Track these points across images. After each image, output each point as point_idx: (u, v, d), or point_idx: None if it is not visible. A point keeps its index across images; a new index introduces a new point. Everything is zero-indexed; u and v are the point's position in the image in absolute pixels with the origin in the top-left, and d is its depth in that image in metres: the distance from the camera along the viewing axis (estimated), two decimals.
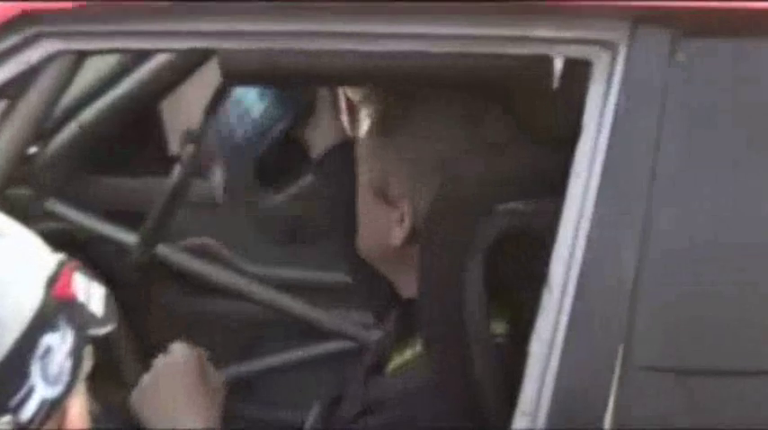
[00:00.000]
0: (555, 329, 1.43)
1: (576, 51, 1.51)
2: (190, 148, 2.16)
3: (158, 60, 2.59)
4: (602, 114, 1.47)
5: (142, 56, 2.59)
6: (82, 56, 1.63)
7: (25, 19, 1.56)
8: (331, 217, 2.05)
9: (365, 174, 1.76)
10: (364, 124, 1.81)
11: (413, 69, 1.56)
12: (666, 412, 1.43)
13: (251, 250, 2.69)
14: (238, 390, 2.74)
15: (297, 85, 1.88)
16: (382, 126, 1.74)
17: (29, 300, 0.88)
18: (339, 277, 2.35)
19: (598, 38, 1.48)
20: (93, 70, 2.68)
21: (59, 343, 0.89)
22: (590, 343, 1.43)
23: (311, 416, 1.88)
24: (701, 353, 1.44)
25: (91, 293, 0.98)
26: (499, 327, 1.59)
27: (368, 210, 1.77)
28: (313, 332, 2.62)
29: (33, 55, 1.58)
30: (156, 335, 2.63)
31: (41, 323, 0.88)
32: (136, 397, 1.84)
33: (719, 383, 1.45)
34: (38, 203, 2.66)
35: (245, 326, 2.71)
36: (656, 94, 1.45)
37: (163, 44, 1.63)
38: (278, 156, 1.98)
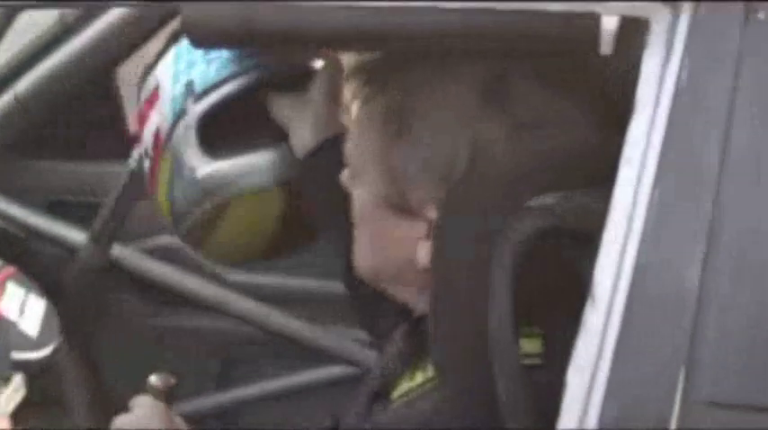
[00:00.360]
0: (599, 355, 1.41)
1: (630, 8, 1.49)
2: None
3: (111, 18, 2.56)
4: (660, 87, 1.45)
5: (90, 12, 2.56)
6: (12, 11, 1.61)
7: None
8: (320, 220, 2.09)
9: (371, 186, 1.74)
10: (358, 122, 1.80)
11: (425, 30, 1.54)
12: None
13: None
14: (213, 424, 2.74)
15: (278, 47, 1.86)
16: (391, 126, 1.70)
17: None
18: (336, 286, 2.32)
19: None
20: (32, 29, 2.67)
21: None
22: (643, 372, 1.41)
23: None
24: None
25: (25, 308, 0.96)
26: (532, 346, 1.58)
27: (378, 228, 1.76)
28: (305, 353, 2.59)
29: None
30: (112, 356, 2.63)
31: None
32: None
33: None
34: None
35: (220, 347, 2.69)
36: (728, 61, 1.43)
37: None
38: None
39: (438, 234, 1.59)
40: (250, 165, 2.02)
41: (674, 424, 1.38)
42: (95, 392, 2.45)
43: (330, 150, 1.95)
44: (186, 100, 2.02)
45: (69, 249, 2.64)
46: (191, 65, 2.02)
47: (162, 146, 2.06)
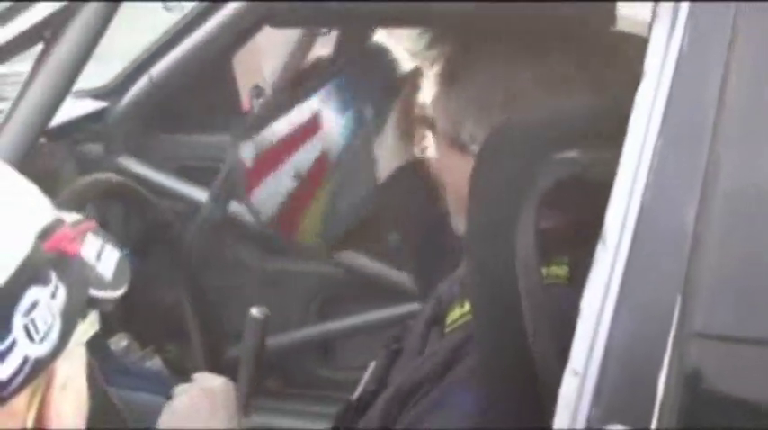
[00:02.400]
0: (608, 285, 1.36)
1: None
2: (259, 103, 2.14)
3: (225, 13, 2.55)
4: (665, 55, 1.39)
5: (212, 8, 2.56)
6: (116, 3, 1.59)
7: None
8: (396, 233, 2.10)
9: (439, 126, 1.75)
10: (429, 81, 1.78)
11: (464, 12, 1.50)
12: (724, 382, 1.37)
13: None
14: (314, 352, 2.72)
15: (342, 26, 1.83)
16: (446, 75, 1.71)
17: (14, 248, 0.83)
18: None
19: None
20: (164, 22, 2.66)
21: (48, 299, 0.84)
22: (644, 301, 1.36)
23: (369, 371, 1.88)
24: (762, 320, 1.36)
25: (103, 256, 0.95)
26: (560, 271, 1.57)
27: (445, 162, 1.76)
28: (390, 293, 2.55)
29: None
30: (227, 297, 2.61)
31: (28, 274, 0.83)
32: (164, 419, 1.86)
33: None
34: (110, 159, 2.66)
35: (320, 287, 2.66)
36: (724, 32, 1.37)
37: None
38: None
39: (475, 174, 1.55)
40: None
41: (668, 351, 1.33)
42: (211, 328, 2.44)
43: (402, 176, 1.98)
44: (357, 125, 1.99)
45: (194, 206, 2.63)
46: (356, 96, 2.00)
47: (329, 168, 2.02)
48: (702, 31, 1.38)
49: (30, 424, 0.85)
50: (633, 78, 1.40)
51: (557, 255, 1.56)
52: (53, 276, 0.85)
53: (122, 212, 2.33)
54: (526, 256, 1.46)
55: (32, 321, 0.82)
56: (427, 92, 1.78)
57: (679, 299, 1.33)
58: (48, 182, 2.18)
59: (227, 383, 1.91)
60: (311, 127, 1.99)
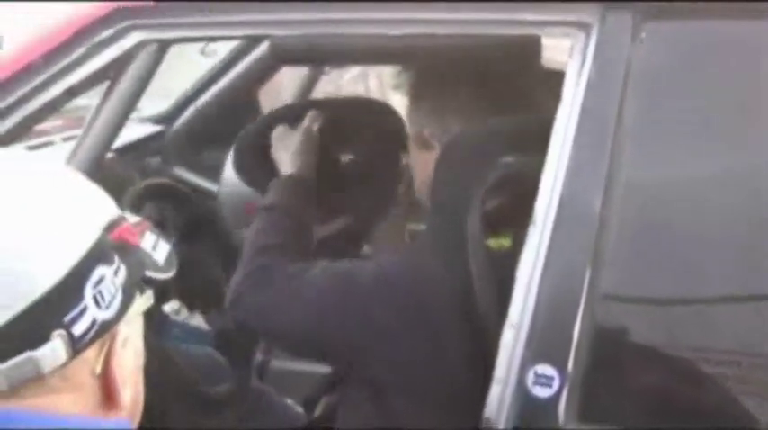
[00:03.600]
0: (537, 255, 1.36)
1: (558, 32, 1.43)
2: None
3: (254, 57, 2.55)
4: (577, 82, 1.40)
5: (242, 53, 2.55)
6: (166, 44, 1.59)
7: (119, 15, 1.55)
8: None
9: (412, 130, 1.73)
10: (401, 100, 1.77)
11: (427, 49, 1.50)
12: (624, 332, 1.38)
13: None
14: None
15: (330, 64, 1.83)
16: (412, 94, 1.71)
17: (86, 236, 0.84)
18: None
19: (576, 20, 1.41)
20: (206, 67, 2.66)
21: (112, 275, 0.84)
22: (564, 269, 1.36)
23: None
24: (653, 288, 1.37)
25: (157, 247, 0.97)
26: (505, 241, 1.50)
27: (416, 159, 1.73)
28: None
29: (126, 43, 1.58)
30: None
31: (96, 256, 0.83)
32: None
33: (665, 313, 1.38)
34: (166, 170, 2.64)
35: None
36: (621, 66, 1.37)
37: (226, 32, 1.58)
38: None
39: (436, 173, 1.55)
40: None
41: (581, 308, 1.33)
42: None
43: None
44: None
45: None
46: None
47: None
48: (605, 65, 1.38)
49: (98, 370, 0.85)
50: (553, 101, 1.40)
51: (504, 229, 1.51)
52: (116, 258, 0.85)
53: (174, 209, 2.32)
54: (474, 233, 1.45)
55: (99, 292, 0.83)
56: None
57: (589, 268, 1.33)
58: (118, 188, 2.19)
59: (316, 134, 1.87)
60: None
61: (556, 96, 1.40)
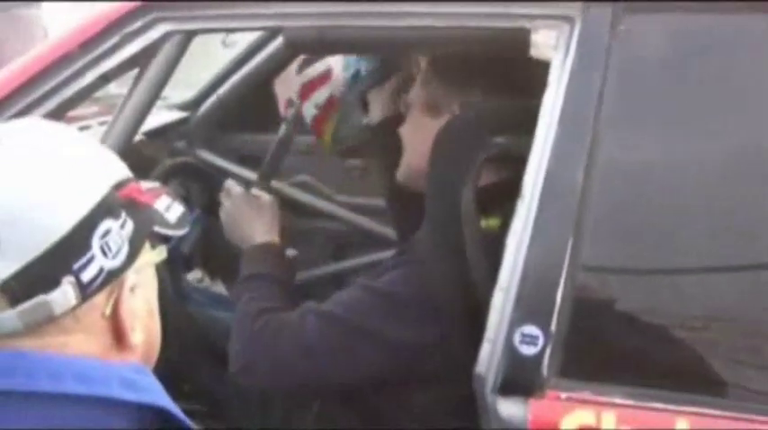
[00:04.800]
0: (524, 227, 1.37)
1: (544, 24, 1.43)
2: (292, 111, 2.14)
3: (271, 48, 2.55)
4: (561, 71, 1.41)
5: (261, 44, 2.55)
6: (189, 35, 1.60)
7: (146, 8, 1.56)
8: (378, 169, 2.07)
9: (419, 98, 1.70)
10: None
11: (425, 39, 1.51)
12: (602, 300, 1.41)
13: (338, 184, 2.63)
14: (330, 286, 2.70)
15: (340, 53, 1.83)
16: (440, 61, 1.68)
17: (94, 191, 0.85)
18: None
19: (560, 13, 1.42)
20: (228, 57, 2.66)
21: (118, 228, 0.86)
22: (549, 239, 1.37)
23: None
24: (629, 256, 1.39)
25: (171, 208, 0.97)
26: (494, 222, 1.52)
27: (417, 126, 1.69)
28: (382, 241, 2.54)
29: (153, 35, 1.59)
30: None
31: (104, 209, 0.85)
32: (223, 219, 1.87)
33: (639, 280, 1.41)
34: (191, 151, 2.65)
35: (334, 238, 2.66)
36: (601, 56, 1.38)
37: (245, 24, 1.59)
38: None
39: (434, 152, 1.55)
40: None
41: (564, 274, 1.34)
42: None
43: (388, 124, 1.93)
44: (356, 80, 2.03)
45: (247, 183, 2.62)
46: (356, 61, 2.03)
47: (336, 104, 2.08)
48: (586, 55, 1.39)
49: (108, 312, 0.86)
50: (541, 87, 1.42)
51: (492, 210, 1.53)
52: (123, 213, 0.86)
53: (198, 186, 2.33)
54: (468, 209, 1.46)
55: (107, 243, 0.84)
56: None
57: (571, 237, 1.35)
58: (146, 167, 2.20)
59: (273, 201, 1.90)
60: (324, 77, 2.06)
61: (542, 85, 1.41)
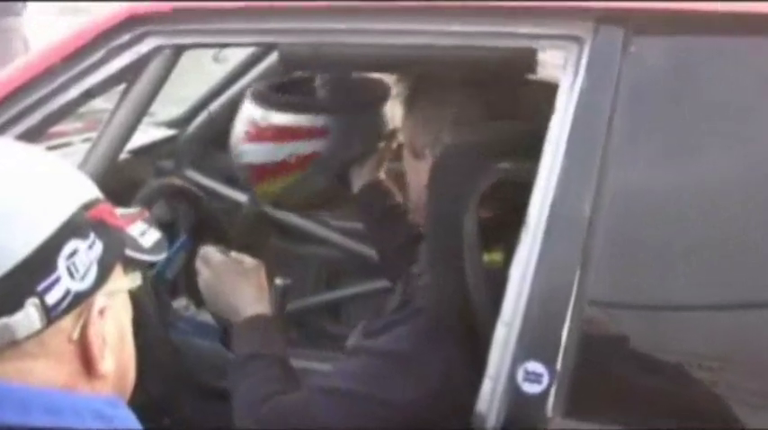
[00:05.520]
0: (529, 257, 1.37)
1: (553, 44, 1.44)
2: None
3: (265, 64, 2.55)
4: (570, 94, 1.41)
5: (253, 61, 2.56)
6: (179, 50, 1.60)
7: (135, 20, 1.57)
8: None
9: (404, 137, 1.73)
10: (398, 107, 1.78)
11: (425, 58, 1.50)
12: (610, 336, 1.40)
13: (333, 209, 2.63)
14: (325, 313, 2.70)
15: (337, 71, 1.84)
16: (407, 103, 1.69)
17: (60, 211, 0.86)
18: None
19: (569, 33, 1.42)
20: (219, 74, 2.67)
21: (86, 248, 0.86)
22: (554, 270, 1.36)
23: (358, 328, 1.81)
24: (639, 290, 1.38)
25: (146, 233, 0.98)
26: (497, 256, 1.51)
27: (409, 168, 1.72)
28: (375, 269, 2.54)
29: (141, 49, 1.59)
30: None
31: (70, 229, 0.85)
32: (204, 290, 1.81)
33: (650, 316, 1.39)
34: (179, 171, 2.66)
35: (328, 264, 2.66)
36: (611, 78, 1.38)
37: (238, 40, 1.59)
38: None
39: (432, 179, 1.54)
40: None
41: (570, 308, 1.34)
42: None
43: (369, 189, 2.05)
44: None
45: (237, 205, 2.63)
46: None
47: (311, 163, 2.05)
48: (596, 78, 1.39)
49: (75, 336, 0.86)
50: (547, 110, 1.41)
51: (495, 243, 1.51)
52: (92, 234, 0.86)
53: (185, 209, 2.32)
54: (470, 242, 1.45)
55: (73, 264, 0.84)
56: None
57: (578, 270, 1.34)
58: (131, 188, 2.20)
59: (259, 265, 1.82)
60: (317, 132, 2.01)
61: (549, 107, 1.41)
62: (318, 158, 2.03)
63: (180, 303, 2.11)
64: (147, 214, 1.07)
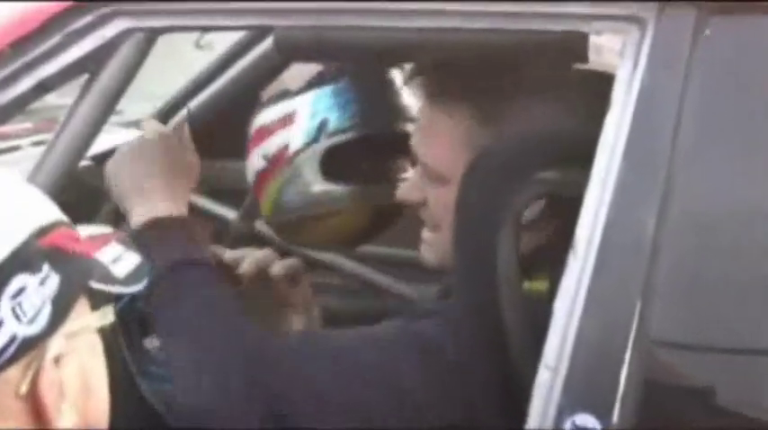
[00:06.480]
0: (577, 289, 1.37)
1: (608, 27, 1.45)
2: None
3: (258, 52, 2.57)
4: (629, 87, 1.41)
5: (242, 50, 2.58)
6: (153, 34, 1.62)
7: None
8: None
9: (421, 159, 1.70)
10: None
11: (451, 45, 1.51)
12: (672, 385, 1.40)
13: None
14: None
15: (344, 60, 1.85)
16: (432, 103, 1.67)
17: (7, 241, 0.86)
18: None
19: (628, 14, 1.42)
20: (201, 63, 2.69)
21: (37, 285, 0.86)
22: (609, 304, 1.37)
23: None
24: (712, 330, 1.39)
25: (121, 259, 0.98)
26: (541, 286, 1.52)
27: (432, 197, 1.70)
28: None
29: (107, 33, 1.60)
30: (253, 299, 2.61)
31: (16, 263, 0.85)
32: (110, 166, 1.76)
33: (730, 361, 1.40)
34: None
35: (333, 296, 2.66)
36: (680, 68, 1.39)
37: (223, 22, 1.60)
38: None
39: (460, 196, 1.54)
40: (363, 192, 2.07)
41: (629, 350, 1.34)
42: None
43: None
44: (320, 133, 2.02)
45: (224, 223, 2.64)
46: (329, 109, 2.03)
47: (286, 159, 2.06)
48: (661, 67, 1.40)
49: (23, 390, 0.86)
50: (600, 107, 1.42)
51: (538, 271, 1.53)
52: (45, 267, 0.87)
53: None
54: (506, 268, 1.46)
55: (19, 304, 0.84)
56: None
57: (639, 303, 1.34)
58: (94, 202, 2.22)
59: (170, 133, 1.85)
60: (286, 121, 2.06)
61: (603, 104, 1.42)
62: (287, 152, 2.06)
63: (153, 342, 2.12)
64: (122, 235, 1.07)
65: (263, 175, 2.11)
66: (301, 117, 2.05)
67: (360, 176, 2.07)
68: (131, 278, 0.98)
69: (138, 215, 1.67)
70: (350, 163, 2.04)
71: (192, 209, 2.59)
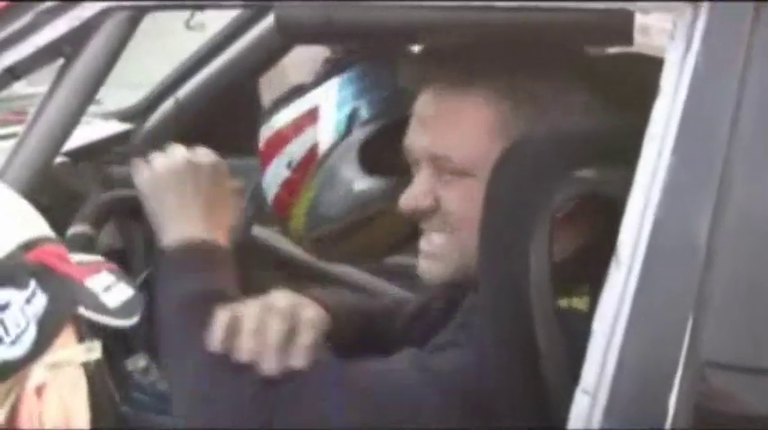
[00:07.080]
0: (619, 306, 1.37)
1: (657, 6, 1.45)
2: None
3: (256, 32, 2.57)
4: (680, 75, 1.41)
5: (238, 31, 2.58)
6: (138, 13, 1.62)
7: None
8: None
9: (438, 149, 1.70)
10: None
11: (480, 25, 1.51)
12: (730, 412, 1.39)
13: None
14: None
15: (356, 42, 1.84)
16: (454, 87, 1.65)
17: None
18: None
19: None
20: (192, 45, 2.69)
21: (22, 302, 0.87)
22: (656, 321, 1.37)
23: None
24: None
25: (113, 290, 0.99)
26: (581, 303, 1.53)
27: (447, 191, 1.69)
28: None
29: (84, 12, 1.60)
30: None
31: (1, 275, 0.86)
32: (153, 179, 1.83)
33: None
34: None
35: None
36: (739, 52, 1.38)
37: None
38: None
39: (487, 195, 1.53)
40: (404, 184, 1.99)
41: (679, 372, 1.34)
42: None
43: None
44: (352, 124, 2.01)
45: None
46: (357, 96, 2.01)
47: (318, 160, 2.04)
48: (717, 50, 1.40)
49: (1, 419, 0.87)
50: (647, 96, 1.42)
51: (577, 285, 1.53)
52: (32, 284, 0.88)
53: (143, 232, 2.34)
54: (539, 279, 1.46)
55: (2, 321, 0.85)
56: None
57: (691, 318, 1.34)
58: (71, 202, 2.22)
59: (221, 161, 1.88)
60: (308, 118, 2.03)
61: (651, 91, 1.42)
62: (317, 154, 2.04)
63: (137, 363, 2.12)
64: (113, 266, 1.08)
65: (288, 187, 2.08)
66: (326, 110, 2.03)
67: (401, 166, 2.04)
68: (124, 310, 0.99)
69: (178, 232, 1.74)
70: (388, 152, 1.98)
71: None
